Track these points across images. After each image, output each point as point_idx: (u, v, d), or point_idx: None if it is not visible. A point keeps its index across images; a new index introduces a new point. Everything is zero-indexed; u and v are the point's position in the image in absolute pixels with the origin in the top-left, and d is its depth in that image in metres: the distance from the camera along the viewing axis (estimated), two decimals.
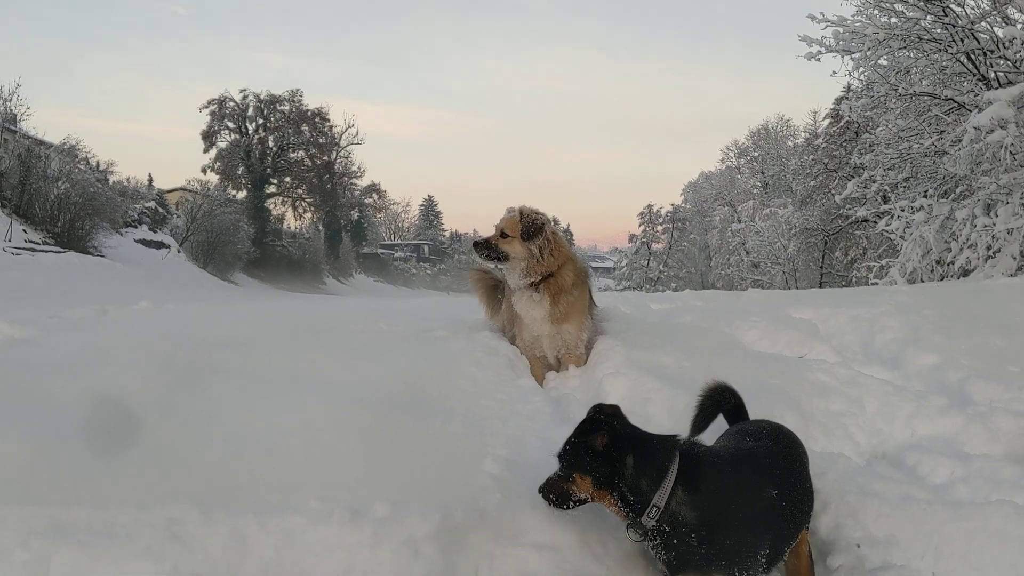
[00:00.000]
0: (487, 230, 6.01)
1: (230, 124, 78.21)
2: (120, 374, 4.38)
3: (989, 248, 16.81)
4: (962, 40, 17.26)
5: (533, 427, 4.37)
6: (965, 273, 17.59)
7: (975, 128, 15.29)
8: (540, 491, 3.45)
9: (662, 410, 4.74)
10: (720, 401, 4.01)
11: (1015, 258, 16.28)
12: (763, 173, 57.20)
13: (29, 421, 3.71)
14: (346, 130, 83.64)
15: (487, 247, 5.76)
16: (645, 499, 3.17)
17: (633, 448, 3.25)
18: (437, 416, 4.26)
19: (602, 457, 3.23)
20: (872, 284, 21.15)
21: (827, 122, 41.29)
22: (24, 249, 34.29)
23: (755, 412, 4.42)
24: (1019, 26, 16.65)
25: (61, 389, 4.11)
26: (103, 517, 3.12)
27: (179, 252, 53.48)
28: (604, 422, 3.32)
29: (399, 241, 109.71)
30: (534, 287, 5.71)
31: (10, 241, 33.03)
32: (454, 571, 3.29)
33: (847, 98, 24.16)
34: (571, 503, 3.38)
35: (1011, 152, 15.14)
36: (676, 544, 3.17)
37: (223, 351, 5.07)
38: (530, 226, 5.69)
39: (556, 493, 3.39)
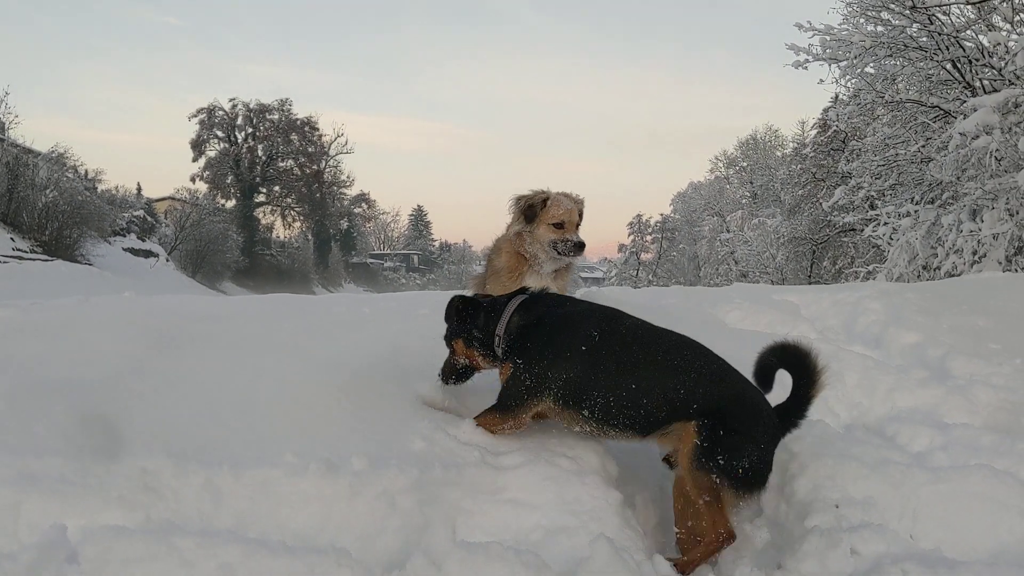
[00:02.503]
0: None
1: (219, 133, 78.31)
2: (96, 338, 4.35)
3: (975, 253, 16.91)
4: (948, 48, 17.42)
5: None
6: (951, 278, 17.69)
7: (961, 134, 15.42)
8: (439, 375, 4.20)
9: None
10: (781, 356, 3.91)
11: (1000, 263, 16.38)
12: (751, 183, 57.48)
13: (1, 379, 3.67)
14: (335, 139, 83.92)
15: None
16: (492, 332, 3.99)
17: (484, 303, 4.13)
18: (417, 381, 4.24)
19: (463, 316, 4.08)
20: None
21: (815, 132, 41.53)
22: (11, 257, 34.15)
23: None
24: (1004, 32, 16.83)
25: (35, 350, 4.08)
26: (75, 467, 3.09)
27: (168, 261, 53.36)
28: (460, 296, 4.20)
29: (388, 251, 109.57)
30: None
31: None
32: (431, 524, 3.28)
33: (834, 107, 24.36)
34: (457, 373, 4.15)
35: (996, 158, 15.26)
36: (508, 353, 3.92)
37: (204, 322, 5.04)
38: (582, 213, 5.70)
39: (447, 369, 4.18)
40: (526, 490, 3.50)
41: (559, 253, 5.52)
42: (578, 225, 5.61)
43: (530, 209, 5.62)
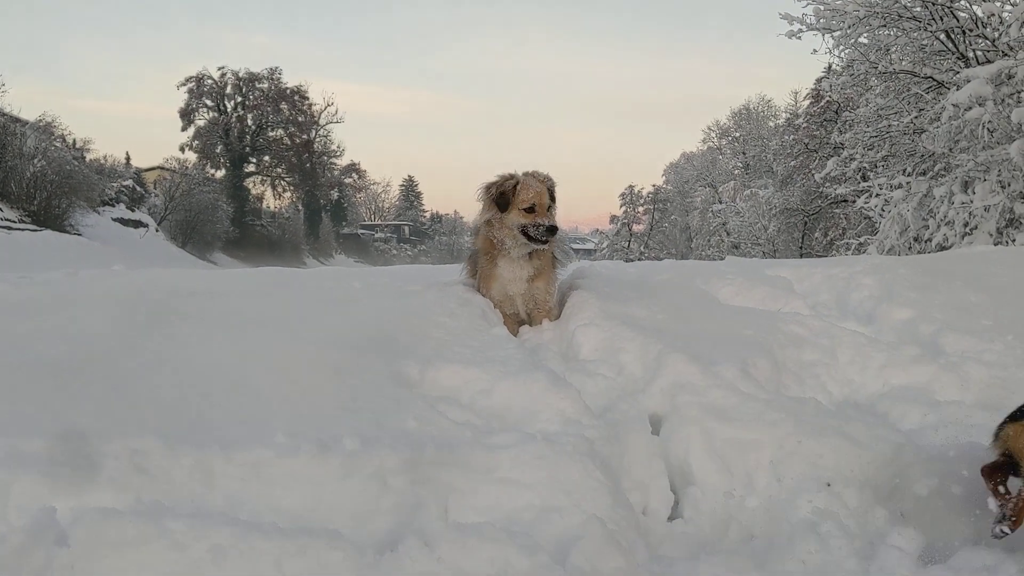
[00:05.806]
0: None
1: (208, 102, 77.55)
2: (86, 315, 4.31)
3: (966, 225, 16.92)
4: (941, 18, 17.30)
5: (506, 371, 4.33)
6: (942, 250, 17.71)
7: (954, 106, 15.36)
8: None
9: (635, 359, 4.75)
10: None
11: (991, 235, 16.40)
12: (744, 154, 57.43)
13: None
14: (325, 109, 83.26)
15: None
16: None
17: None
18: (409, 360, 4.22)
19: None
20: None
21: (808, 102, 41.39)
22: (0, 228, 33.98)
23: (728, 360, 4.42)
24: (998, 3, 16.74)
25: (24, 328, 4.04)
26: (64, 448, 3.06)
27: (157, 231, 53.15)
28: None
29: (379, 222, 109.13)
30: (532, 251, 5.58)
31: None
32: (423, 504, 3.26)
33: (827, 77, 24.27)
34: None
35: (988, 129, 15.22)
36: None
37: (193, 298, 5.01)
38: (553, 192, 5.57)
39: None
40: (519, 469, 3.47)
41: (530, 238, 5.40)
42: (550, 207, 5.48)
43: (502, 197, 5.49)
